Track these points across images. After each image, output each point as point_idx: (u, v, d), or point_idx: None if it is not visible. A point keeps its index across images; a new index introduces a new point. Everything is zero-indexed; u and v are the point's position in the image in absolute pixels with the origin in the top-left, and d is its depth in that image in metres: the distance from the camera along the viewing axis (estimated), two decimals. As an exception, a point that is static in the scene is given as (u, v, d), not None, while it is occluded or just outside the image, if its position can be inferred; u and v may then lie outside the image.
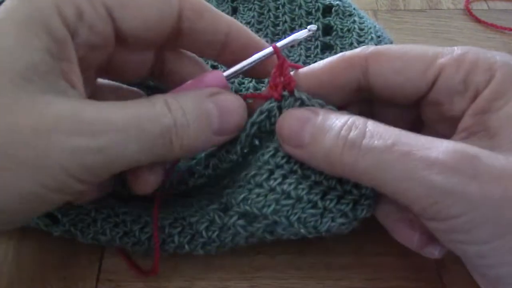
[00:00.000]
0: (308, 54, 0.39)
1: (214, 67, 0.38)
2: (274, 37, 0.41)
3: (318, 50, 0.39)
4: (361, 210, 0.26)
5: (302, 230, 0.26)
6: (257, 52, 0.28)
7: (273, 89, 0.27)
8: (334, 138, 0.24)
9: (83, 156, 0.22)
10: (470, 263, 0.25)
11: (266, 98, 0.28)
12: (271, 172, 0.27)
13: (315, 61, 0.38)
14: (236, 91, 0.36)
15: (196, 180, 0.30)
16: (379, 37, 0.38)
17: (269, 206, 0.26)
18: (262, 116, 0.27)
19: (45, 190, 0.22)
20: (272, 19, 0.42)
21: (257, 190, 0.27)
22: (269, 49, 0.28)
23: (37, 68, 0.22)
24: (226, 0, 0.44)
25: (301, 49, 0.39)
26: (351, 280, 0.30)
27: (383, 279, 0.30)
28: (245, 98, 0.28)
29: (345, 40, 0.38)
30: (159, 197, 0.29)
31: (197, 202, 0.30)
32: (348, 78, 0.27)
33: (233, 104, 0.27)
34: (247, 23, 0.42)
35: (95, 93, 0.29)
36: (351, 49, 0.38)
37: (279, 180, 0.26)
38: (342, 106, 0.28)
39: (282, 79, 0.27)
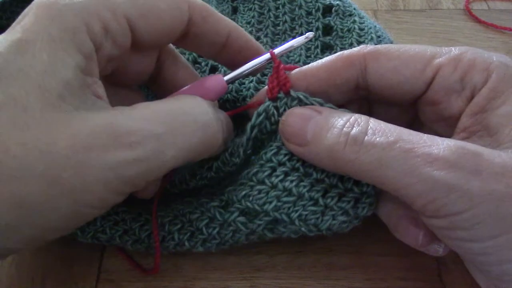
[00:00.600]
0: (308, 55, 0.39)
1: (214, 67, 0.39)
2: (274, 37, 0.41)
3: (318, 50, 0.39)
4: (362, 208, 0.26)
5: (302, 228, 0.26)
6: (255, 55, 0.30)
7: (270, 91, 0.28)
8: (337, 135, 0.24)
9: (122, 169, 0.22)
10: (472, 261, 0.25)
11: (260, 103, 0.28)
12: (273, 170, 0.27)
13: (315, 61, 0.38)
14: (237, 91, 0.36)
15: (198, 182, 0.30)
16: (379, 37, 0.38)
17: (270, 202, 0.26)
18: (260, 118, 0.27)
19: (85, 208, 0.22)
20: (272, 19, 0.42)
21: (258, 187, 0.27)
22: (267, 55, 0.29)
23: (70, 85, 0.22)
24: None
25: (301, 49, 0.39)
26: (351, 280, 0.30)
27: (383, 279, 0.30)
28: (245, 108, 0.30)
29: (345, 40, 0.38)
30: (158, 196, 0.29)
31: (197, 200, 0.30)
32: (346, 77, 0.27)
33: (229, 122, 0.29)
34: (247, 23, 0.42)
35: None
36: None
37: (281, 177, 0.27)
38: (340, 105, 0.28)
39: (278, 81, 0.27)
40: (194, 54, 0.39)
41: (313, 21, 0.40)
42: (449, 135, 0.26)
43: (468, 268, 0.27)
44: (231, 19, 0.32)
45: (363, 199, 0.26)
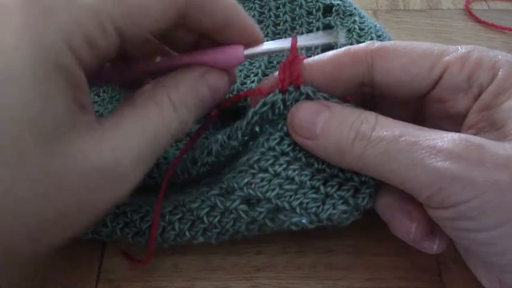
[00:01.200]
0: (309, 55, 0.39)
1: None
2: (274, 36, 0.41)
3: (319, 50, 0.39)
4: (362, 198, 0.27)
5: (303, 219, 0.27)
6: (253, 41, 0.28)
7: (281, 82, 0.27)
8: (346, 130, 0.25)
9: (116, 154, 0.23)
10: (476, 252, 0.25)
11: (269, 92, 0.28)
12: (276, 158, 0.27)
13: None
14: (238, 91, 0.36)
15: (199, 169, 0.30)
16: (379, 36, 0.38)
17: (272, 190, 0.27)
18: (265, 108, 0.28)
19: None
20: (272, 18, 0.42)
21: (261, 175, 0.27)
22: (289, 42, 0.27)
23: (60, 117, 0.20)
24: None
25: (302, 48, 0.39)
26: (351, 280, 0.30)
27: (383, 279, 0.30)
28: (248, 94, 0.29)
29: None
30: (163, 188, 0.29)
31: (196, 190, 0.30)
32: (352, 73, 0.27)
33: (221, 82, 0.28)
34: None
35: None
36: None
37: (284, 166, 0.27)
38: (346, 99, 0.29)
39: (290, 74, 0.27)
40: None
41: (314, 21, 0.40)
42: (454, 131, 0.26)
43: (470, 266, 0.27)
44: None
45: (363, 189, 0.27)
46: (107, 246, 0.31)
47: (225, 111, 0.31)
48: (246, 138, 0.29)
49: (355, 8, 0.40)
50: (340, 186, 0.27)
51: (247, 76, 0.37)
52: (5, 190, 0.19)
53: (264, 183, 0.27)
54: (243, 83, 0.37)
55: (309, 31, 0.40)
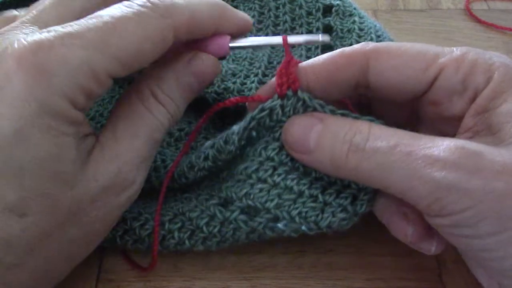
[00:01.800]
0: (309, 55, 0.39)
1: None
2: (274, 37, 0.42)
3: (319, 51, 0.39)
4: (360, 205, 0.27)
5: (303, 227, 0.27)
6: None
7: (279, 86, 0.27)
8: (339, 143, 0.25)
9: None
10: (475, 257, 0.25)
11: (267, 98, 0.28)
12: (275, 168, 0.27)
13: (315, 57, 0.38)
14: (239, 92, 0.36)
15: (196, 173, 0.30)
16: (379, 37, 0.38)
17: (272, 200, 0.27)
18: (263, 113, 0.27)
19: None
20: (272, 19, 0.42)
21: (260, 185, 0.27)
22: (278, 39, 0.28)
23: (72, 163, 0.23)
24: None
25: (302, 49, 0.39)
26: (351, 280, 0.30)
27: (383, 279, 0.30)
28: (246, 100, 0.29)
29: (345, 41, 0.38)
30: (162, 193, 0.29)
31: (196, 197, 0.30)
32: (347, 75, 0.27)
33: (208, 66, 0.28)
34: None
35: None
36: None
37: (283, 176, 0.27)
38: (342, 100, 0.29)
39: (287, 78, 0.27)
40: None
41: (314, 21, 0.40)
42: (449, 133, 0.26)
43: (470, 266, 0.27)
44: None
45: (361, 196, 0.27)
46: (107, 246, 0.31)
47: (225, 110, 0.31)
48: (243, 143, 0.29)
49: (354, 8, 0.40)
50: (338, 194, 0.27)
51: (247, 77, 0.37)
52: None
53: (263, 193, 0.27)
54: (243, 83, 0.37)
55: (309, 32, 0.40)
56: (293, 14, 0.41)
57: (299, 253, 0.31)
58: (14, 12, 0.31)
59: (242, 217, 0.28)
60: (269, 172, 0.27)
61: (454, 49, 0.26)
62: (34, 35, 0.22)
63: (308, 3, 0.40)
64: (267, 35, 0.41)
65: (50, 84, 0.21)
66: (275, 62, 0.39)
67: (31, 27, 0.24)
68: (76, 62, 0.22)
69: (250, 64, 0.38)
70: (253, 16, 0.42)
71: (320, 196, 0.27)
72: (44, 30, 0.23)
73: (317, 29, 0.39)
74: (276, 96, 0.27)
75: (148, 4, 0.24)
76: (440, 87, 0.26)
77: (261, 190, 0.27)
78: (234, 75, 0.37)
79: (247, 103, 0.30)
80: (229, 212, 0.28)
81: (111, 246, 0.30)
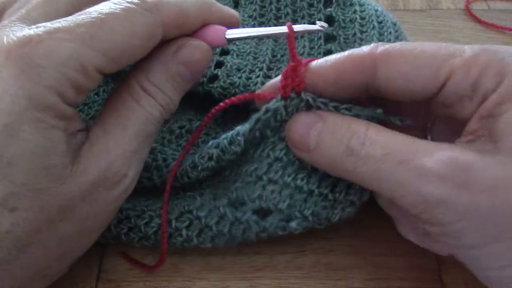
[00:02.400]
0: (312, 46, 0.39)
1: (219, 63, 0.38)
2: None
3: (322, 41, 0.39)
4: (365, 195, 0.28)
5: (316, 224, 0.28)
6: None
7: (283, 88, 0.27)
8: (336, 146, 0.25)
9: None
10: (463, 263, 0.25)
11: (271, 97, 0.28)
12: (285, 169, 0.28)
13: (319, 52, 0.38)
14: (244, 86, 0.36)
15: (199, 173, 0.30)
16: (380, 22, 0.39)
17: (284, 201, 0.27)
18: (268, 114, 0.28)
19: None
20: (274, 12, 0.42)
21: (272, 187, 0.28)
22: (283, 29, 0.27)
23: (62, 154, 0.23)
24: None
25: (305, 40, 0.40)
26: (351, 280, 0.30)
27: (383, 279, 0.30)
28: (251, 97, 0.29)
29: (348, 31, 0.39)
30: (167, 192, 0.29)
31: (199, 195, 0.30)
32: (354, 80, 0.27)
33: (196, 54, 0.27)
34: (249, 16, 0.42)
35: None
36: (354, 39, 0.38)
37: (292, 176, 0.28)
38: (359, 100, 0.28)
39: (292, 80, 0.27)
40: None
41: (315, 12, 0.40)
42: (459, 132, 0.26)
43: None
44: None
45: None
46: (107, 246, 0.31)
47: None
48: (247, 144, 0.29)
49: None
50: (347, 189, 0.27)
51: (252, 71, 0.37)
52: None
53: (275, 194, 0.28)
54: (248, 78, 0.36)
55: (311, 23, 0.40)
56: (294, 7, 0.41)
57: (299, 253, 0.31)
58: None
59: (254, 217, 0.28)
60: (280, 173, 0.28)
61: (466, 49, 0.25)
62: (23, 30, 0.22)
63: None
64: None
65: (39, 77, 0.21)
66: (279, 56, 0.39)
67: (20, 24, 0.24)
68: (65, 55, 0.22)
69: (255, 58, 0.38)
70: (254, 10, 0.42)
71: (330, 194, 0.27)
72: (33, 26, 0.23)
73: (319, 21, 0.39)
74: (279, 97, 0.27)
75: (137, 0, 0.24)
76: (450, 91, 0.25)
77: (273, 191, 0.28)
78: (239, 70, 0.37)
79: (256, 100, 0.30)
80: (241, 213, 0.28)
81: (116, 243, 0.30)
